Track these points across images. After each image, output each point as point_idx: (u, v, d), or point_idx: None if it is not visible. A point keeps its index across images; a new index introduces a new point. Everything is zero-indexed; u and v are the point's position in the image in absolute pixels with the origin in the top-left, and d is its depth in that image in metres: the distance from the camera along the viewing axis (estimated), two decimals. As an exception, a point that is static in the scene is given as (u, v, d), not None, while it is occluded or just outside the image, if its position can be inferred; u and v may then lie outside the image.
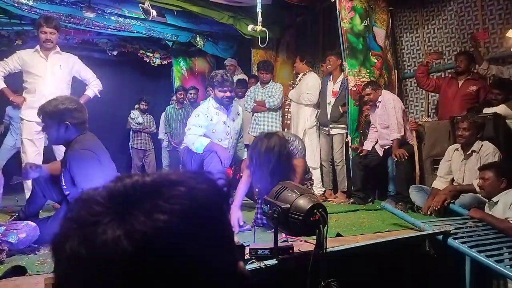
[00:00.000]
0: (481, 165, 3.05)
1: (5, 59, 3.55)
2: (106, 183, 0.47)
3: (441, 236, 2.44)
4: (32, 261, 1.93)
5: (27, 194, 3.01)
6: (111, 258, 0.41)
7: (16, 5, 4.63)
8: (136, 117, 6.43)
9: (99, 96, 3.82)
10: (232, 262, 0.49)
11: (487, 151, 3.18)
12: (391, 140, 3.82)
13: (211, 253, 0.45)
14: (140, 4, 3.45)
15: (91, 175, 2.23)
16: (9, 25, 5.40)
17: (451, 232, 2.46)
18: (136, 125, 6.41)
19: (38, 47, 3.59)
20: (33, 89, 3.54)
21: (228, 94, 3.42)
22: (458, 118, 3.68)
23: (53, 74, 3.58)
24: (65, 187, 2.37)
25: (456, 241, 2.40)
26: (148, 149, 6.54)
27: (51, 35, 3.53)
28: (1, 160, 5.47)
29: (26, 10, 4.80)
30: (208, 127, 3.40)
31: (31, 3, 4.69)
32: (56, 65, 3.60)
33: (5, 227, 2.12)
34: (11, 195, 4.08)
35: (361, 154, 4.13)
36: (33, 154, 3.50)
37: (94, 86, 3.76)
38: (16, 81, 3.76)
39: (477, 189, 3.00)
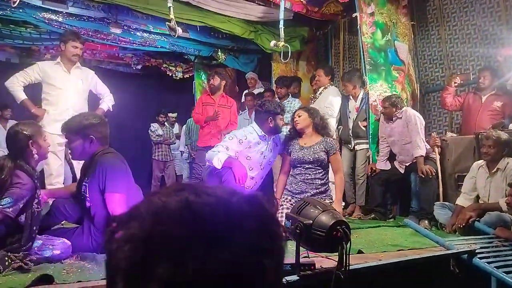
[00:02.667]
0: (510, 182, 2.97)
1: (25, 69, 3.55)
2: (184, 196, 0.48)
3: (466, 255, 2.38)
4: (58, 270, 1.98)
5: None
6: (203, 284, 0.43)
7: (46, 21, 4.83)
8: (156, 129, 6.54)
9: (111, 110, 3.89)
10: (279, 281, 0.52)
11: None
12: (415, 157, 3.75)
13: (276, 277, 0.49)
14: (166, 23, 3.53)
15: (120, 182, 2.30)
16: (40, 40, 5.63)
17: (477, 251, 2.40)
18: (157, 137, 6.52)
19: (59, 59, 3.63)
20: (55, 102, 3.57)
21: (284, 122, 3.55)
22: (483, 133, 3.61)
23: (75, 87, 3.64)
24: (88, 198, 2.39)
25: (482, 260, 2.34)
26: (168, 160, 6.63)
27: (80, 50, 3.63)
28: None
29: (56, 26, 5.00)
30: (242, 153, 3.36)
31: (60, 19, 4.88)
32: (78, 79, 3.67)
33: (42, 241, 2.18)
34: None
35: (373, 175, 4.10)
36: (55, 166, 3.55)
37: (108, 101, 3.83)
38: (29, 92, 3.71)
39: (504, 207, 2.92)
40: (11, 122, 5.71)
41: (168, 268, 0.43)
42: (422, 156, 3.71)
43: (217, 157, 3.19)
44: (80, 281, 1.81)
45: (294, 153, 3.35)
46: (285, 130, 4.71)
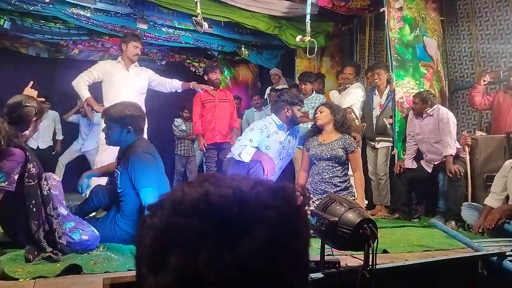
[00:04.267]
0: None
1: (89, 69, 3.79)
2: (205, 188, 0.48)
3: (496, 257, 2.30)
4: (86, 260, 2.02)
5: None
6: (217, 281, 0.44)
7: (75, 16, 4.94)
8: (179, 124, 6.59)
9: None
10: (306, 278, 0.50)
11: None
12: (444, 156, 3.66)
13: (295, 274, 0.48)
14: (193, 18, 3.56)
15: (151, 177, 2.36)
16: (68, 35, 5.75)
17: (507, 253, 2.32)
18: (180, 132, 6.57)
19: (120, 58, 3.88)
20: (114, 98, 3.66)
21: (301, 114, 3.54)
22: (516, 133, 3.50)
23: (133, 85, 3.83)
24: (120, 189, 2.48)
25: (512, 264, 2.26)
26: (191, 155, 6.68)
27: (139, 50, 3.87)
28: (66, 158, 6.05)
29: (84, 21, 5.10)
30: (262, 143, 3.40)
31: (88, 14, 4.98)
32: (136, 77, 3.87)
33: (74, 224, 2.25)
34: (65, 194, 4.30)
35: (398, 173, 4.03)
36: (108, 160, 3.67)
37: (177, 83, 4.14)
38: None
39: None
40: (51, 113, 6.00)
41: (180, 259, 0.44)
42: (452, 155, 3.61)
43: (245, 150, 3.23)
44: (108, 272, 1.84)
45: (312, 149, 3.35)
46: (307, 126, 4.71)
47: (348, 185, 3.30)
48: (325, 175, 3.25)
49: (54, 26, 5.48)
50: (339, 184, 3.24)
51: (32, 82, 2.59)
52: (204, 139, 4.65)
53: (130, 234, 2.40)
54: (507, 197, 3.22)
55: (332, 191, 3.18)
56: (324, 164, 3.27)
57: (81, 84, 3.70)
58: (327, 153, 3.26)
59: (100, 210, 2.95)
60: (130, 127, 2.47)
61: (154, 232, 0.47)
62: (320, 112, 3.40)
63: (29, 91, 2.46)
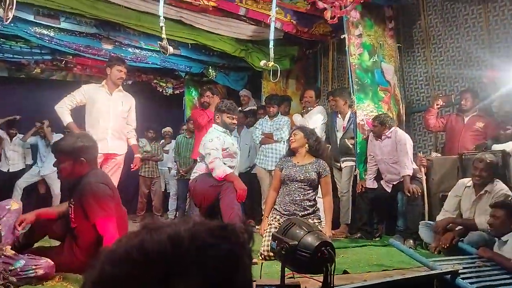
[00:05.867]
0: (494, 202, 3.00)
1: (72, 93, 3.76)
2: (140, 237, 0.50)
3: (450, 275, 2.41)
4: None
5: None
6: None
7: (38, 36, 4.84)
8: (143, 145, 6.51)
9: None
10: None
11: (500, 192, 3.15)
12: (402, 176, 3.82)
13: None
14: (158, 42, 3.60)
15: (108, 207, 2.29)
16: (30, 54, 5.62)
17: (460, 271, 2.44)
18: (144, 153, 6.50)
19: (104, 82, 3.85)
20: (97, 123, 3.71)
21: (235, 121, 3.69)
22: (467, 154, 3.70)
23: (116, 109, 3.80)
24: (73, 219, 2.39)
25: (464, 281, 2.37)
26: (155, 177, 6.60)
27: (124, 74, 3.84)
28: (24, 182, 5.82)
29: (47, 41, 5.01)
30: (222, 149, 3.52)
31: (52, 34, 4.89)
32: (119, 101, 3.84)
33: (24, 262, 2.15)
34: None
35: (360, 192, 4.17)
36: None
37: (134, 137, 4.08)
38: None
39: (480, 225, 2.99)
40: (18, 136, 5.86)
41: None
42: (409, 175, 3.78)
43: (223, 169, 3.33)
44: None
45: (286, 169, 3.38)
46: (271, 146, 4.79)
47: (316, 208, 3.35)
48: (296, 197, 3.28)
49: (15, 45, 5.36)
50: (308, 207, 3.27)
51: None
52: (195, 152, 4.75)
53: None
54: (460, 215, 3.39)
55: (300, 214, 3.21)
56: (296, 185, 3.30)
57: (63, 109, 3.70)
58: (300, 175, 3.30)
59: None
60: (83, 158, 2.39)
61: (90, 284, 0.48)
62: (294, 135, 3.48)
63: None
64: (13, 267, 2.08)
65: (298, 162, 3.40)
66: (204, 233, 0.50)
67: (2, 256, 2.07)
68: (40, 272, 2.13)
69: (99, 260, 0.49)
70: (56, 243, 2.62)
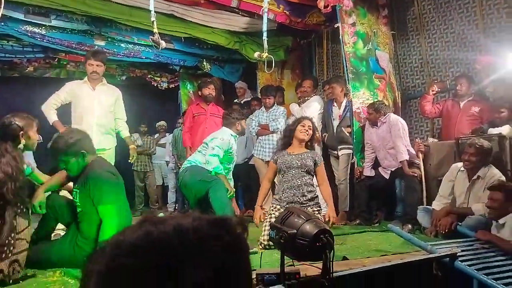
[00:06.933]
0: (491, 185, 2.99)
1: (57, 92, 3.73)
2: (145, 229, 0.50)
3: (448, 258, 2.44)
4: (41, 286, 1.97)
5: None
6: None
7: (29, 34, 4.81)
8: (135, 139, 6.51)
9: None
10: None
11: (493, 177, 3.15)
12: (400, 162, 3.84)
13: None
14: (150, 37, 3.57)
15: (112, 194, 2.39)
16: (22, 53, 5.59)
17: (458, 254, 2.46)
18: (136, 147, 6.50)
19: (86, 78, 3.79)
20: (81, 120, 3.68)
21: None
22: (463, 138, 3.71)
23: (99, 104, 3.76)
24: (80, 208, 2.46)
25: (463, 263, 2.40)
26: (148, 170, 6.64)
27: (97, 67, 3.73)
28: None
29: (39, 39, 4.98)
30: (227, 152, 3.69)
31: (43, 32, 4.87)
32: (103, 96, 3.79)
33: None
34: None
35: (358, 181, 4.19)
36: None
37: (126, 129, 4.01)
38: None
39: (477, 212, 3.00)
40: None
41: None
42: (406, 160, 3.80)
43: (219, 168, 3.52)
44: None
45: (281, 158, 3.39)
46: (268, 137, 4.80)
47: (315, 195, 3.36)
48: (294, 183, 3.29)
49: (6, 44, 5.32)
50: (306, 193, 3.28)
51: None
52: (191, 152, 4.71)
53: None
54: (455, 200, 3.40)
55: (299, 200, 3.24)
56: (293, 171, 3.32)
57: (49, 108, 3.69)
58: (297, 162, 3.32)
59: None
60: (83, 151, 2.46)
61: (96, 278, 0.48)
62: (309, 128, 3.44)
63: None
64: None
65: (293, 152, 3.41)
66: (205, 226, 0.52)
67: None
68: None
69: (104, 251, 0.49)
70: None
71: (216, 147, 3.58)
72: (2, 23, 4.54)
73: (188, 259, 0.48)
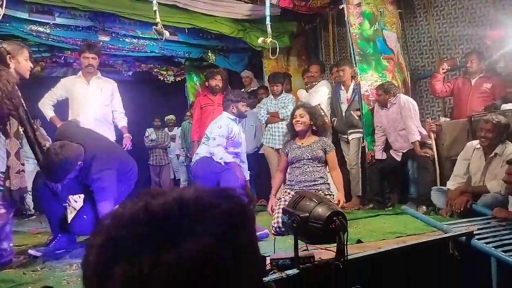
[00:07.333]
0: (510, 159, 2.89)
1: (51, 88, 3.75)
2: (144, 200, 0.49)
3: (465, 237, 2.40)
4: (59, 279, 1.99)
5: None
6: (164, 280, 0.44)
7: (34, 34, 4.83)
8: (149, 134, 6.55)
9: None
10: (260, 274, 0.53)
11: (511, 154, 3.07)
12: (411, 143, 3.78)
13: (244, 269, 0.49)
14: (153, 27, 3.55)
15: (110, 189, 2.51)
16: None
17: (475, 233, 2.42)
18: (150, 142, 6.53)
19: (80, 73, 3.78)
20: (78, 114, 3.68)
21: (248, 108, 3.79)
22: (476, 116, 3.63)
23: (94, 98, 3.74)
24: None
25: (480, 241, 2.36)
26: (163, 164, 6.66)
27: (92, 60, 3.72)
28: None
29: (44, 38, 4.99)
30: (228, 137, 3.64)
31: (48, 31, 4.88)
32: (98, 89, 3.77)
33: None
34: (38, 217, 4.22)
35: (369, 164, 4.14)
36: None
37: (123, 119, 3.95)
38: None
39: (492, 190, 2.94)
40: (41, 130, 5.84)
41: (124, 267, 0.45)
42: (418, 140, 3.74)
43: (226, 156, 3.53)
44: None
45: (292, 152, 3.36)
46: (277, 125, 4.75)
47: (326, 181, 3.34)
48: (306, 169, 3.28)
49: (13, 45, 5.33)
50: (318, 178, 3.26)
51: None
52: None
53: None
54: (470, 179, 3.34)
55: (310, 185, 3.23)
56: (304, 161, 3.31)
57: (45, 105, 3.72)
58: (308, 154, 3.29)
59: None
60: (80, 162, 2.52)
61: (97, 249, 0.48)
62: (300, 117, 3.36)
63: None
64: None
65: (302, 143, 3.37)
66: (206, 195, 0.51)
67: None
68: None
69: (104, 223, 0.49)
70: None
71: (216, 136, 3.56)
72: (7, 24, 4.56)
73: (187, 230, 0.47)
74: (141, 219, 0.47)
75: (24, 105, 2.36)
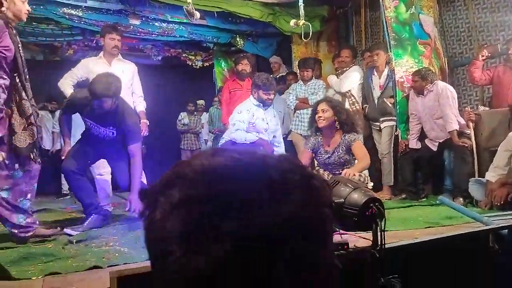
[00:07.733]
0: None
1: (72, 69, 3.73)
2: (228, 159, 0.47)
3: (507, 230, 2.28)
4: (98, 257, 2.01)
5: None
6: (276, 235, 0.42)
7: (67, 17, 4.90)
8: (182, 118, 6.59)
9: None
10: (331, 251, 0.50)
11: None
12: (448, 132, 3.63)
13: (320, 242, 0.47)
14: (184, 7, 3.51)
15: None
16: (61, 36, 5.72)
17: (517, 226, 2.30)
18: (182, 126, 6.57)
19: (101, 54, 3.74)
20: None
21: (272, 96, 3.64)
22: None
23: None
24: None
25: (523, 235, 2.24)
26: (195, 149, 6.69)
27: (118, 42, 3.69)
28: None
29: (76, 21, 5.06)
30: (249, 122, 3.60)
31: (80, 14, 4.94)
32: (120, 71, 3.68)
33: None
34: (72, 197, 4.35)
35: (403, 154, 4.00)
36: None
37: (141, 103, 3.89)
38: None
39: None
40: (57, 114, 5.96)
41: (235, 223, 0.41)
42: (456, 130, 3.58)
43: (244, 136, 3.54)
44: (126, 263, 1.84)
45: (319, 156, 3.33)
46: (306, 111, 4.65)
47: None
48: (335, 172, 3.22)
49: (46, 28, 5.45)
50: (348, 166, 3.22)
51: None
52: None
53: None
54: (511, 171, 3.19)
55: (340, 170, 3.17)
56: (333, 166, 3.30)
57: (64, 84, 3.67)
58: (334, 161, 3.26)
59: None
60: (114, 99, 2.80)
61: (190, 206, 0.43)
62: (323, 112, 3.20)
63: None
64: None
65: (329, 148, 3.27)
66: (282, 162, 0.48)
67: None
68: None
69: (192, 178, 0.45)
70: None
71: (236, 122, 3.56)
72: (41, 6, 4.64)
73: (285, 194, 0.44)
74: (254, 172, 0.45)
75: (22, 52, 2.33)
